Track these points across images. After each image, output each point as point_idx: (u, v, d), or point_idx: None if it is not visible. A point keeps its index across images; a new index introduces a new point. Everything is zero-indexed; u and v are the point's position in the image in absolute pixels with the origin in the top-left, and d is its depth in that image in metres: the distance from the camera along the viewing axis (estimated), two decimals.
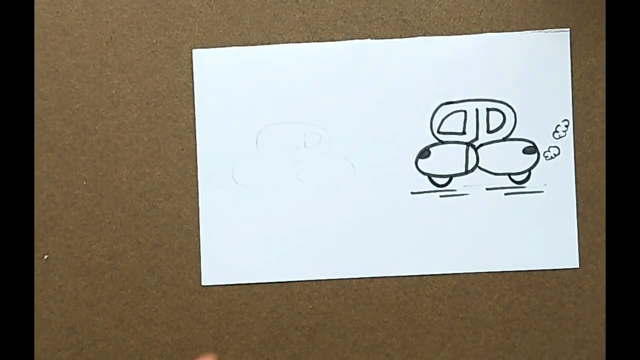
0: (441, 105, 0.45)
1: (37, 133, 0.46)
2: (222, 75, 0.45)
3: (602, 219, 0.45)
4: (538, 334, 0.45)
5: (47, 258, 0.46)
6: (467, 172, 0.45)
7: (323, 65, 0.45)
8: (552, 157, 0.45)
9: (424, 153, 0.45)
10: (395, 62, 0.45)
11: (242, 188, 0.45)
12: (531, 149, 0.45)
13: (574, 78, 0.45)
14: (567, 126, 0.45)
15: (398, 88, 0.45)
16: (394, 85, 0.45)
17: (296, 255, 0.45)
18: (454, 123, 0.45)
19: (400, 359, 0.45)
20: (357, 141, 0.45)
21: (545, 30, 0.45)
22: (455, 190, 0.45)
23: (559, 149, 0.45)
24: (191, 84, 0.46)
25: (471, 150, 0.45)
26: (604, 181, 0.45)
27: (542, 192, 0.45)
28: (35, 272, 0.45)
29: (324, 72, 0.45)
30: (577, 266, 0.45)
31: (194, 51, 0.45)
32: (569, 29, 0.45)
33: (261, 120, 0.45)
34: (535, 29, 0.45)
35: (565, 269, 0.45)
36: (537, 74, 0.45)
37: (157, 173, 0.46)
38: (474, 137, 0.45)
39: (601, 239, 0.45)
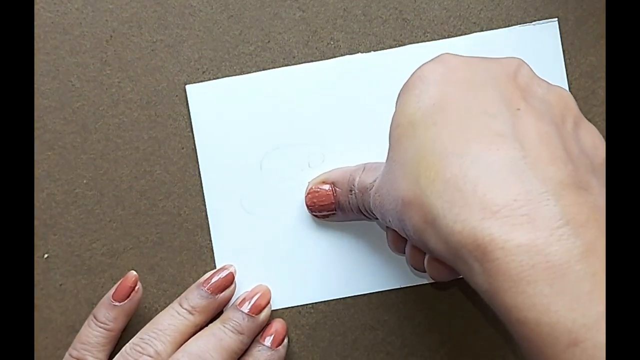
0: None
1: (37, 132, 0.46)
2: (218, 107, 0.45)
3: None
4: None
5: (48, 257, 0.46)
6: None
7: (317, 84, 0.45)
8: None
9: None
10: (389, 73, 0.45)
11: (252, 216, 0.45)
12: None
13: (572, 77, 0.45)
14: None
15: (395, 98, 0.45)
16: (391, 96, 0.45)
17: (313, 278, 0.45)
18: None
19: (399, 358, 0.45)
20: (360, 156, 0.44)
21: (534, 23, 0.45)
22: None
23: None
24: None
25: None
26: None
27: None
28: (36, 271, 0.45)
29: (319, 91, 0.45)
30: None
31: (188, 87, 0.45)
32: (556, 19, 0.45)
33: (262, 147, 0.45)
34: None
35: None
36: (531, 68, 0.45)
37: (158, 171, 0.46)
38: None
39: None
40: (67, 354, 0.43)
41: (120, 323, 0.43)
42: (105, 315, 0.43)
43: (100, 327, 0.43)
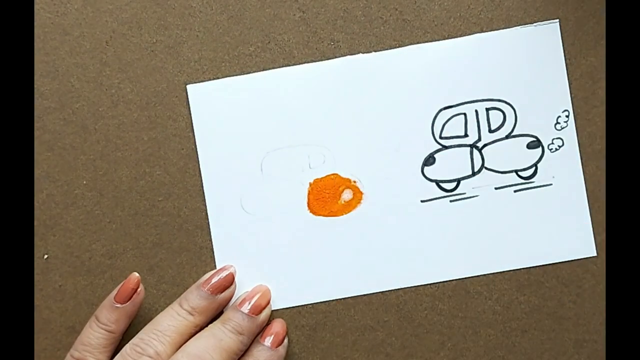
0: (440, 110, 0.45)
1: (37, 132, 0.46)
2: (219, 107, 0.45)
3: (602, 217, 0.45)
4: (538, 333, 0.45)
5: (47, 257, 0.46)
6: (474, 174, 0.45)
7: (317, 85, 0.45)
8: (556, 149, 0.45)
9: (429, 160, 0.45)
10: (389, 73, 0.45)
11: (253, 217, 0.45)
12: (535, 144, 0.45)
13: (573, 77, 0.45)
14: (567, 116, 0.45)
15: (395, 99, 0.45)
16: (391, 97, 0.45)
17: (313, 278, 0.45)
18: (455, 127, 0.45)
19: (400, 359, 0.45)
20: (361, 156, 0.45)
21: (535, 24, 0.45)
22: (464, 193, 0.45)
23: (562, 140, 0.45)
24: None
25: (475, 151, 0.45)
26: (604, 180, 0.45)
27: (551, 184, 0.45)
28: (35, 272, 0.45)
29: (319, 91, 0.45)
30: (595, 254, 0.45)
31: (189, 86, 0.45)
32: (558, 20, 0.45)
33: (263, 147, 0.45)
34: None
35: (583, 259, 0.45)
36: (531, 69, 0.45)
37: (157, 172, 0.46)
38: (476, 138, 0.45)
39: (601, 238, 0.45)
40: (68, 355, 0.43)
41: (122, 325, 0.43)
42: (107, 317, 0.43)
43: (102, 328, 0.43)
